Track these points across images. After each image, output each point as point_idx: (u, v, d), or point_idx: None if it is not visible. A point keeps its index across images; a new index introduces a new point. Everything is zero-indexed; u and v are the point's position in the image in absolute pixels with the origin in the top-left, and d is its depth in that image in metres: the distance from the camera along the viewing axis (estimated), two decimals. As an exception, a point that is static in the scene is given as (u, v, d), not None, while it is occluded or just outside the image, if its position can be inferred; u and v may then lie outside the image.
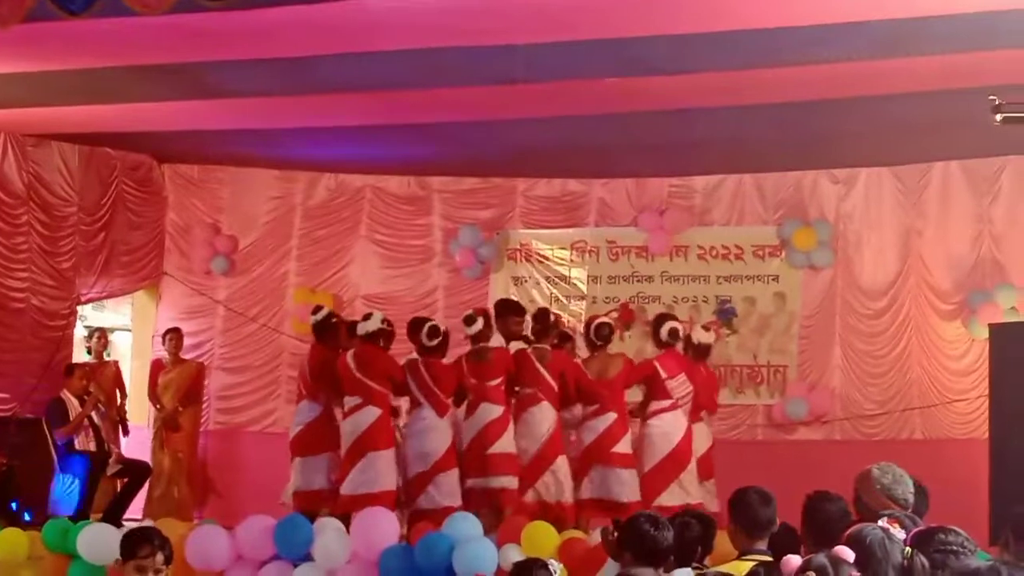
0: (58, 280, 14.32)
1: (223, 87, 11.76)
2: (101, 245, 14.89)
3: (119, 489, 13.33)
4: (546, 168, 15.40)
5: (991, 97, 9.74)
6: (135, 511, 13.37)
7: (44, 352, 14.10)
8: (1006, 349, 12.60)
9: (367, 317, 11.68)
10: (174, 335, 14.66)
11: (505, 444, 11.40)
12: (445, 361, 11.71)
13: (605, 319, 12.44)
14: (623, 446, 11.68)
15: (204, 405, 15.42)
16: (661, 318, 12.40)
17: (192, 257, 15.90)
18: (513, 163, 15.17)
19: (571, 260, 15.65)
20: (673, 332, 12.10)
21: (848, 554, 3.98)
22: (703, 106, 11.89)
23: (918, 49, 10.08)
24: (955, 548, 4.40)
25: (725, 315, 14.80)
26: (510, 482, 11.33)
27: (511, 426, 11.49)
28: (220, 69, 11.24)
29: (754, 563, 5.37)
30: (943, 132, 12.84)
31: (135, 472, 13.34)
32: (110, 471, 13.14)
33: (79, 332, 15.31)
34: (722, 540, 7.18)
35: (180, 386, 14.61)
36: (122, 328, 17.27)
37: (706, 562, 6.88)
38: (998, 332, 12.92)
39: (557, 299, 15.52)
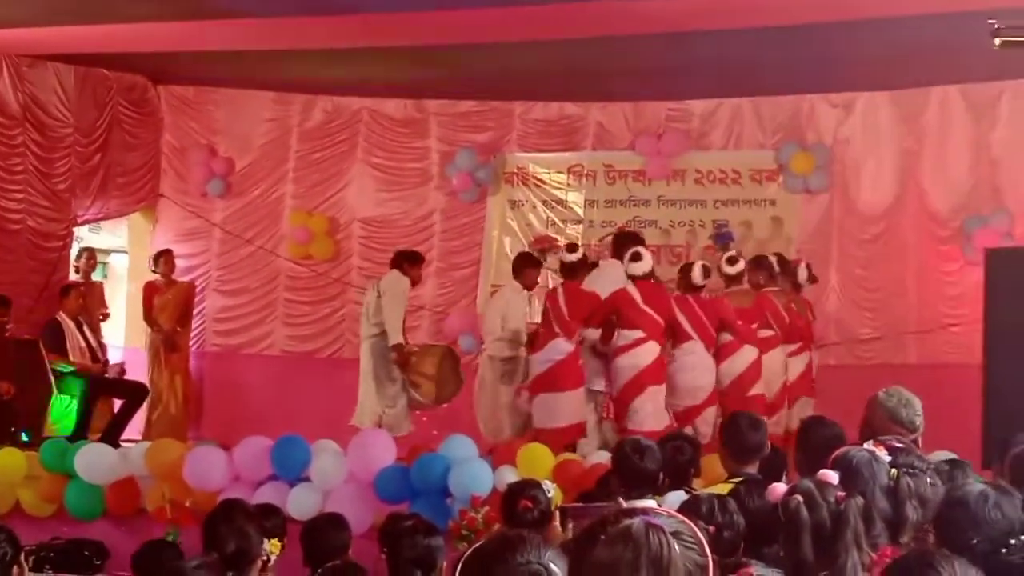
0: (54, 201, 14.30)
1: (219, 7, 11.68)
2: (97, 166, 14.86)
3: (116, 410, 13.38)
4: (543, 91, 15.32)
5: (990, 21, 9.68)
6: (133, 432, 13.43)
7: (40, 274, 14.12)
8: (1001, 274, 12.60)
9: (636, 257, 11.54)
10: (167, 257, 14.61)
11: (760, 386, 11.78)
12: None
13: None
14: None
15: (197, 326, 15.48)
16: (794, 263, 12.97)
17: (188, 179, 15.87)
18: (510, 86, 15.08)
19: (568, 184, 15.61)
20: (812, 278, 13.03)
21: (833, 477, 3.98)
22: (701, 29, 11.81)
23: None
24: (905, 468, 4.39)
25: (722, 240, 14.75)
26: None
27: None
28: (215, -11, 11.19)
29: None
30: (942, 56, 12.77)
31: (132, 393, 13.38)
32: (109, 374, 13.16)
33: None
34: (713, 462, 7.25)
35: (176, 307, 14.61)
36: (118, 250, 17.28)
37: (695, 484, 6.96)
38: (994, 257, 12.91)
39: (553, 223, 15.51)
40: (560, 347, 11.40)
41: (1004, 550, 3.50)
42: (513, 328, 12.21)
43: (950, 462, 5.48)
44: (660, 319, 11.36)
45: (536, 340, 11.68)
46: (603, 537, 2.42)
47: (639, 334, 11.27)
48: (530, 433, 11.59)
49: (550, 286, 14.85)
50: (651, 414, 11.11)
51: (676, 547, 2.37)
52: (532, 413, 11.59)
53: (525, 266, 12.58)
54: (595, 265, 12.56)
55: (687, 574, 2.37)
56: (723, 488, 5.62)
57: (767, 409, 11.52)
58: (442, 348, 12.70)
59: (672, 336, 11.61)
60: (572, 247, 12.11)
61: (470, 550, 3.13)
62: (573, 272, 11.77)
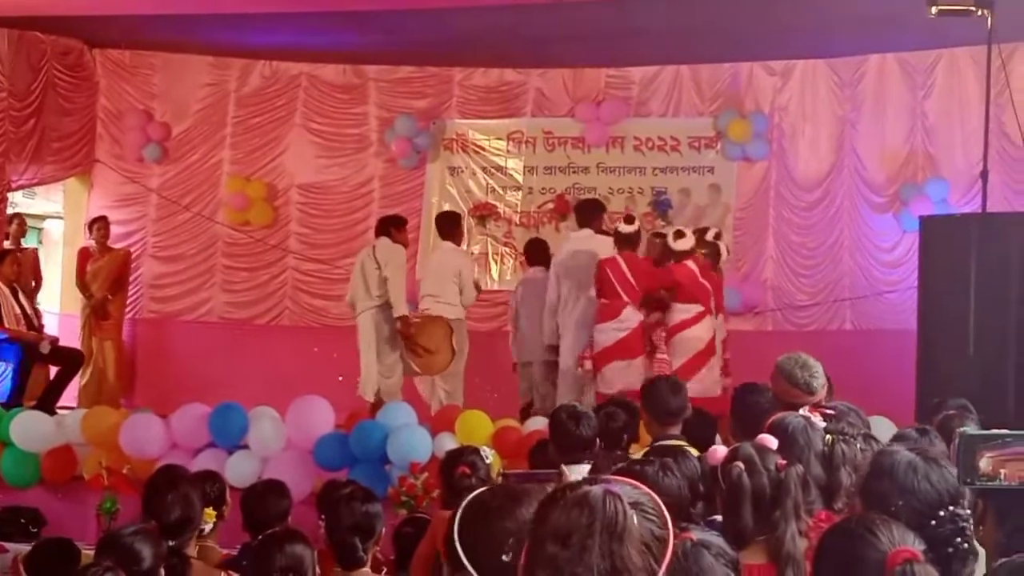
0: (-13, 166, 14.15)
1: (155, -29, 11.58)
2: (32, 131, 14.68)
3: (51, 377, 13.27)
4: (483, 57, 15.29)
5: (926, -11, 9.75)
6: (69, 399, 13.34)
7: (-26, 240, 13.97)
8: (936, 241, 12.69)
9: (679, 235, 11.58)
10: (101, 223, 14.51)
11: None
12: None
13: None
14: None
15: (133, 293, 15.32)
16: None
17: (124, 144, 15.71)
18: (450, 52, 15.04)
19: (507, 150, 15.58)
20: None
21: (772, 442, 4.02)
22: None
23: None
24: (837, 434, 4.43)
25: (660, 207, 14.83)
26: None
27: None
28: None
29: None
30: (879, 25, 12.85)
31: (68, 360, 13.27)
32: (43, 350, 13.03)
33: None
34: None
35: (109, 274, 14.48)
36: (54, 216, 17.12)
37: (631, 449, 7.01)
38: (929, 224, 13.01)
39: (493, 190, 15.51)
40: (632, 315, 11.32)
41: (933, 522, 3.51)
42: (472, 291, 12.22)
43: (920, 430, 5.56)
44: (712, 292, 11.46)
45: (603, 310, 11.46)
46: (561, 502, 2.45)
47: (698, 308, 11.29)
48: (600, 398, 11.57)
49: (489, 252, 14.93)
50: (716, 381, 11.23)
51: (634, 516, 2.39)
52: (598, 380, 11.37)
53: (456, 226, 12.62)
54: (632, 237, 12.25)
55: (643, 544, 2.39)
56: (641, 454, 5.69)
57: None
58: (441, 320, 12.49)
59: None
60: (629, 218, 11.97)
61: (470, 499, 3.12)
62: (631, 243, 11.70)
